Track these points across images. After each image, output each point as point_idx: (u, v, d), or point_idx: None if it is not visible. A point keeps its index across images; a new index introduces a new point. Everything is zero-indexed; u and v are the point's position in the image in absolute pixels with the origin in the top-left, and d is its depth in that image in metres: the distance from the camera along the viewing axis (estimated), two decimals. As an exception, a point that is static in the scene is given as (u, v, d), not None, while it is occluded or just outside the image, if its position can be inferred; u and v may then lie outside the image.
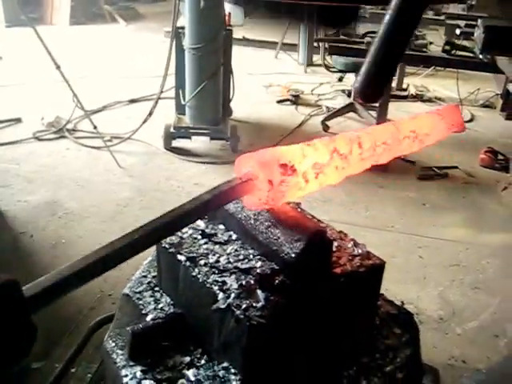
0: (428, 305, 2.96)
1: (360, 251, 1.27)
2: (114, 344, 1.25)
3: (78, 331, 2.53)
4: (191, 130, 4.66)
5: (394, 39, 1.09)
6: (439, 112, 1.50)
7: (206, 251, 1.24)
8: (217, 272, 1.16)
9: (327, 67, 6.23)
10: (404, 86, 6.74)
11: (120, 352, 1.22)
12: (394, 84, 6.31)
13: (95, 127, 4.34)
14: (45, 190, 3.96)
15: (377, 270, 1.26)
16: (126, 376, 1.18)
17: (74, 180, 4.12)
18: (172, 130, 4.65)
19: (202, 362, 1.18)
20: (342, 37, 5.94)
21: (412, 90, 6.71)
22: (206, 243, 1.27)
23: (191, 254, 1.22)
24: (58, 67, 4.07)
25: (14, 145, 4.70)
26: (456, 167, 4.62)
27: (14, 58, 7.31)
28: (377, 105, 4.89)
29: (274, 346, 1.12)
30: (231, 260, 1.20)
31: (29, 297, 0.80)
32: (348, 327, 1.25)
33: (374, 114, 5.30)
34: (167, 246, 1.26)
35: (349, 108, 5.59)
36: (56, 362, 2.36)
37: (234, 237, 1.28)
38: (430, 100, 6.51)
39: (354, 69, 5.41)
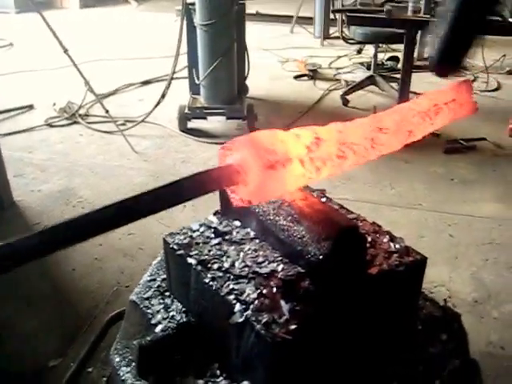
0: (461, 287, 2.80)
1: (398, 246, 1.11)
2: (120, 358, 1.12)
3: (95, 327, 2.42)
4: (206, 111, 4.51)
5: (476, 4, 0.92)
6: (448, 92, 1.32)
7: (219, 252, 1.09)
8: (232, 278, 1.01)
9: (345, 39, 5.99)
10: (425, 55, 6.49)
11: (127, 369, 1.09)
12: (415, 54, 6.07)
13: (107, 111, 4.21)
14: (58, 178, 3.86)
15: (417, 267, 1.10)
16: (136, 394, 1.05)
17: (88, 167, 4.01)
18: (187, 110, 4.49)
19: (220, 379, 1.04)
20: (359, 6, 5.69)
21: (434, 60, 6.45)
22: (219, 243, 1.12)
23: (203, 257, 1.07)
24: (66, 51, 3.93)
25: (27, 132, 4.60)
26: (484, 139, 4.39)
27: (25, 45, 7.22)
28: (398, 76, 4.69)
29: (301, 363, 0.97)
30: (248, 263, 1.04)
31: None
32: (385, 334, 1.10)
33: (395, 85, 5.10)
34: (175, 246, 1.11)
35: (369, 81, 5.39)
36: (72, 360, 2.27)
37: (252, 234, 1.13)
38: (453, 69, 6.25)
39: (374, 39, 5.19)
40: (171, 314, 1.16)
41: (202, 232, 1.16)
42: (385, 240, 1.14)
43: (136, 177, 3.84)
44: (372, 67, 5.49)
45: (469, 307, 2.68)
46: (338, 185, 3.69)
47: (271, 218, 1.05)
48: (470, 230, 3.26)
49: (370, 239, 1.12)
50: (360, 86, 5.35)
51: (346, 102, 5.16)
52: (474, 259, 3.00)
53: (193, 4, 4.32)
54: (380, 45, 5.68)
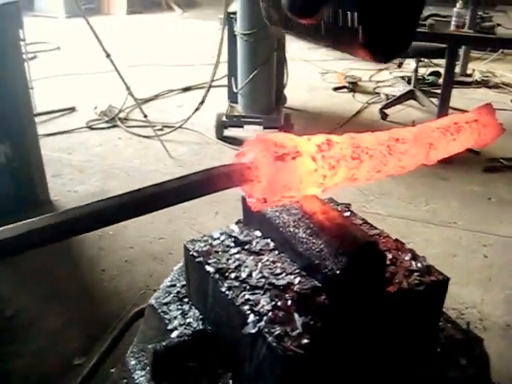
0: (493, 310, 2.72)
1: (419, 265, 1.08)
2: (135, 362, 1.12)
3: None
4: (243, 119, 4.52)
5: None
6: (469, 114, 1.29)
7: (238, 262, 1.08)
8: (248, 288, 1.01)
9: (386, 53, 5.94)
10: (468, 71, 6.39)
11: (142, 372, 1.09)
12: (457, 69, 5.99)
13: (145, 116, 4.27)
14: (95, 179, 3.92)
15: (439, 287, 1.07)
16: (149, 399, 1.05)
17: (125, 170, 4.06)
18: (224, 118, 4.52)
19: (232, 388, 1.03)
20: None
21: (477, 76, 6.34)
22: (238, 252, 1.11)
23: (221, 265, 1.07)
24: (108, 55, 4.01)
25: (68, 134, 4.69)
26: (525, 158, 4.28)
27: (71, 49, 7.39)
28: (439, 91, 4.61)
29: (312, 378, 0.95)
30: (266, 274, 1.04)
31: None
32: (403, 356, 1.07)
33: (435, 101, 5.02)
34: (195, 253, 1.11)
35: (408, 95, 5.32)
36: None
37: (271, 245, 1.12)
38: (496, 86, 6.14)
39: (415, 54, 5.13)
40: (188, 320, 1.16)
41: (223, 240, 1.16)
42: (406, 258, 1.11)
43: (171, 182, 3.87)
44: (412, 81, 5.42)
45: (500, 331, 2.61)
46: (372, 199, 3.64)
47: (291, 229, 1.05)
48: (505, 251, 3.17)
49: (390, 256, 1.10)
50: (400, 100, 5.28)
51: (384, 116, 5.10)
52: (508, 282, 2.91)
53: (234, 13, 4.35)
54: (421, 59, 5.61)
